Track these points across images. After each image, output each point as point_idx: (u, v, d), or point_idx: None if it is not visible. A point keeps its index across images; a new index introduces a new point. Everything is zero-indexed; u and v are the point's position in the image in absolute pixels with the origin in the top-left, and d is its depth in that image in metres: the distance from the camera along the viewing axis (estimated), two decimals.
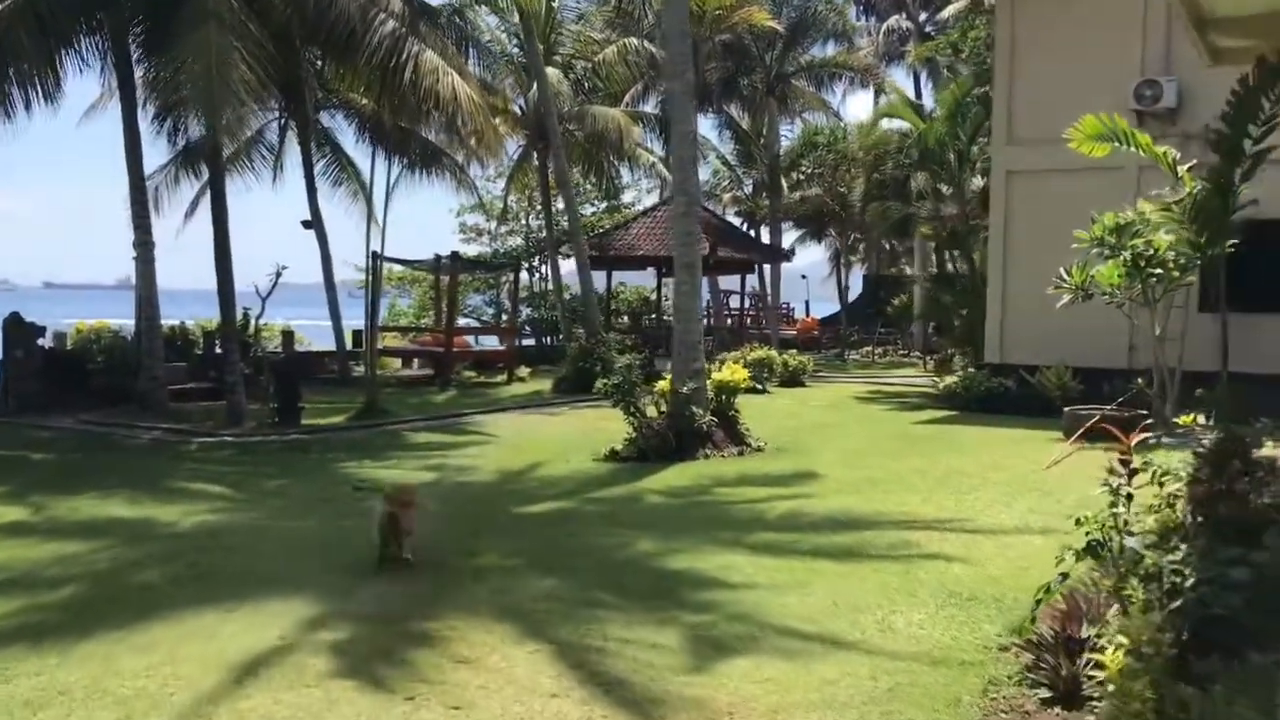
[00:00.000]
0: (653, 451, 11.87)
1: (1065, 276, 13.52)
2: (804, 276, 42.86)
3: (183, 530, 8.83)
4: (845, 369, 27.52)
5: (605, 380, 12.46)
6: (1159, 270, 12.69)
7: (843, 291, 38.13)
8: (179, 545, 8.21)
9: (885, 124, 27.49)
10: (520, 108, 27.99)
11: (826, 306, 47.42)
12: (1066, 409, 13.44)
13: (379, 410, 16.91)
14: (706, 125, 34.74)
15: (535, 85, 24.14)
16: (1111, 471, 6.03)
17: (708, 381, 12.50)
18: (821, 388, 21.59)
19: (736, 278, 32.28)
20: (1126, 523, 5.31)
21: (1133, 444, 6.10)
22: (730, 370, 12.58)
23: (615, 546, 8.00)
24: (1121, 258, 12.64)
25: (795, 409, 17.00)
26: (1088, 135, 8.23)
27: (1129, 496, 5.42)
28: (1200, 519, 5.64)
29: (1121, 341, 16.11)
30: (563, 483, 10.64)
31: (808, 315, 43.31)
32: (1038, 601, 5.28)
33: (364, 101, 22.10)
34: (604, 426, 15.03)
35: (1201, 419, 8.35)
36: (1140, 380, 13.39)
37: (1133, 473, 6.02)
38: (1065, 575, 5.28)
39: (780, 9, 30.36)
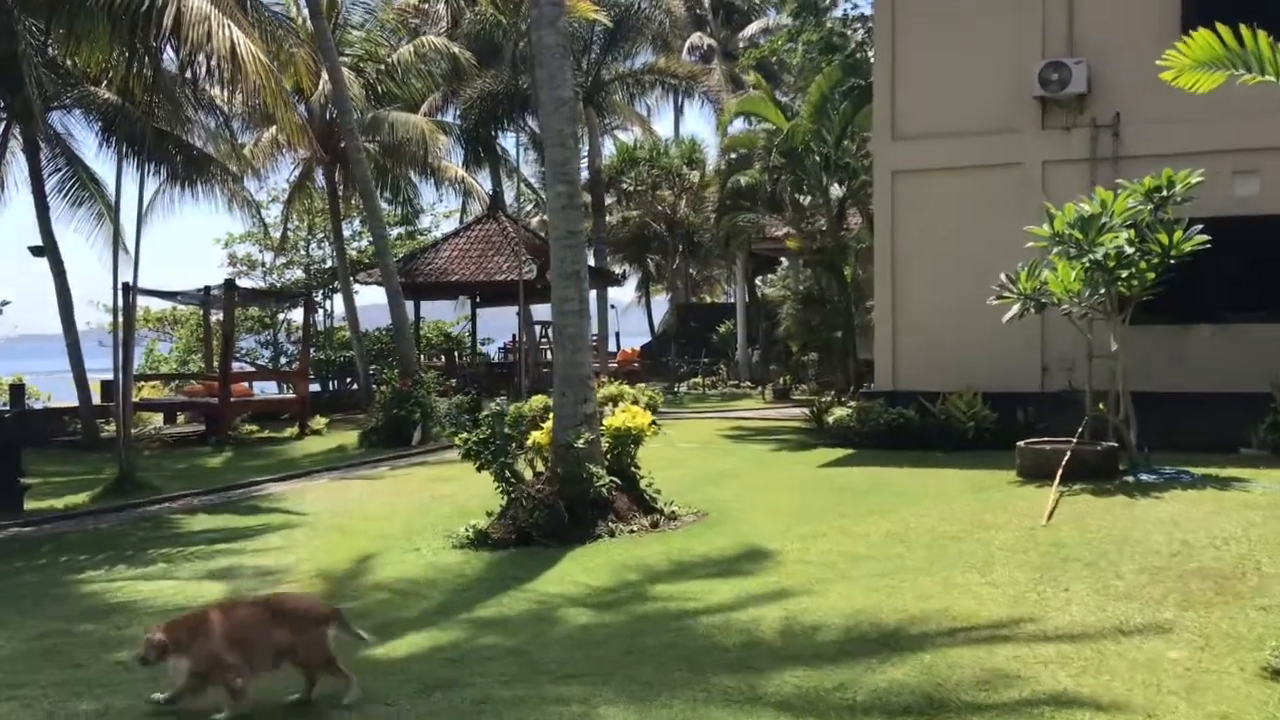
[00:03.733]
0: (537, 530, 8.61)
1: (1010, 283, 11.22)
2: (613, 306, 40.13)
3: None
4: (682, 403, 24.88)
5: (466, 435, 9.12)
6: (1127, 272, 10.55)
7: (653, 322, 35.79)
8: None
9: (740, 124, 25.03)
10: (302, 116, 23.96)
11: (633, 339, 45.03)
12: (1020, 444, 11.07)
13: (135, 483, 12.91)
14: (509, 141, 31.43)
15: (325, 77, 20.23)
16: None
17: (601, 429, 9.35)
18: (675, 425, 18.76)
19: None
20: None
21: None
22: (629, 413, 9.48)
23: None
24: (1087, 259, 10.42)
25: (672, 454, 14.04)
26: (1195, 60, 5.70)
27: None
28: None
29: (1033, 362, 14.18)
30: (424, 591, 7.23)
31: (619, 346, 40.73)
32: None
33: (108, 95, 17.64)
34: (445, 493, 11.73)
35: None
36: (1102, 406, 11.20)
37: None
38: None
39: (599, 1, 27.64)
